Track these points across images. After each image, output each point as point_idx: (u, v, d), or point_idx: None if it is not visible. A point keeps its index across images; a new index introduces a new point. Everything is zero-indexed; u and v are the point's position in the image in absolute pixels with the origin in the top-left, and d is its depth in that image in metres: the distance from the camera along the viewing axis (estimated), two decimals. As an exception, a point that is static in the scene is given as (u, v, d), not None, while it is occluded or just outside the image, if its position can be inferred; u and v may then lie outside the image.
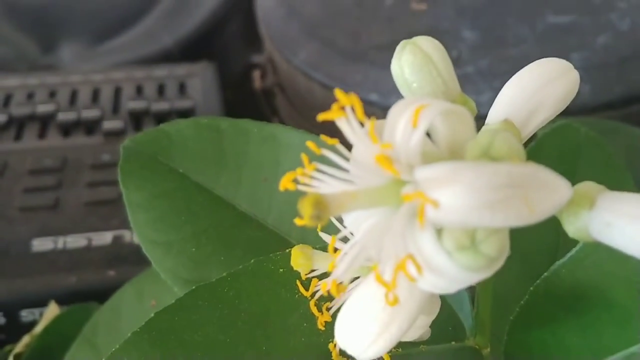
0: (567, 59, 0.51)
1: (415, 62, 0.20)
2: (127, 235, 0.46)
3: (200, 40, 0.81)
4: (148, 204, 0.30)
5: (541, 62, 0.22)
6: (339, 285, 0.18)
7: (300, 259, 0.22)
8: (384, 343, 0.19)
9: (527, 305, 0.25)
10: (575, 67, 0.53)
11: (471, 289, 0.27)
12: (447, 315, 0.26)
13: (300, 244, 0.22)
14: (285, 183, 0.18)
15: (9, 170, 0.51)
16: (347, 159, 0.18)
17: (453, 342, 0.26)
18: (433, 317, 0.22)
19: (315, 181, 0.18)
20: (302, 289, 0.24)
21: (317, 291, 0.23)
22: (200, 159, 0.31)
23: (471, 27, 0.53)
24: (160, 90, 0.59)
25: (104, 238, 0.46)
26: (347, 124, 0.18)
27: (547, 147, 0.33)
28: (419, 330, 0.22)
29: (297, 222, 0.17)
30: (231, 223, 0.29)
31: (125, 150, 0.31)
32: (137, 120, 0.56)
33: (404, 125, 0.17)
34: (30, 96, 0.59)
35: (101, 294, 0.40)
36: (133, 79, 0.60)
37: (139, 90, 0.59)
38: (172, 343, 0.22)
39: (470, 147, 0.17)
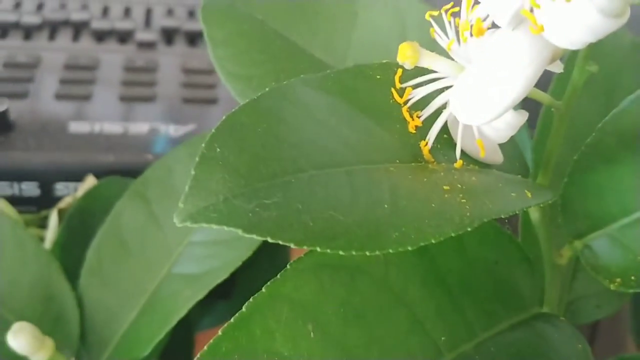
0: None
1: None
2: (162, 127, 0.47)
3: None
4: (229, 41, 0.31)
5: None
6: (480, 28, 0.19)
7: (408, 51, 0.23)
8: (500, 106, 0.21)
9: (592, 144, 0.27)
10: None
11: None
12: (515, 152, 0.28)
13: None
14: None
15: (44, 64, 0.51)
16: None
17: (519, 176, 0.27)
18: (521, 120, 0.24)
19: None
20: (396, 96, 0.25)
21: (409, 99, 0.25)
22: (277, 9, 0.32)
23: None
24: (191, 14, 0.61)
25: (140, 127, 0.46)
26: None
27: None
28: (508, 130, 0.24)
29: None
30: (307, 67, 0.31)
31: (205, -4, 0.32)
32: (169, 36, 0.57)
33: None
34: (62, 5, 0.59)
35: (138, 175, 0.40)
36: (164, 2, 0.61)
37: (170, 12, 0.61)
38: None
39: None
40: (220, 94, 0.50)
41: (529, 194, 0.23)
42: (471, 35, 0.21)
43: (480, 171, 0.25)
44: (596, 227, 0.27)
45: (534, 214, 0.28)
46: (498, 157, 0.26)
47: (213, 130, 0.22)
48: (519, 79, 0.20)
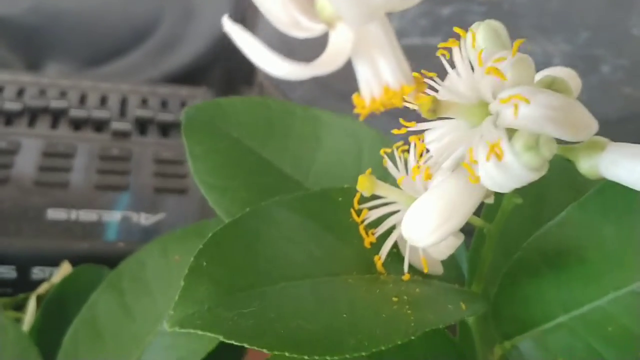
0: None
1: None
2: (134, 216, 0.50)
3: (185, 77, 0.86)
4: (206, 157, 0.35)
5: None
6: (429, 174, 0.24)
7: (367, 182, 0.28)
8: (442, 233, 0.25)
9: (518, 260, 0.31)
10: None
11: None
12: (452, 263, 0.32)
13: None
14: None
15: (24, 150, 0.55)
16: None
17: (457, 285, 0.32)
18: (459, 243, 0.28)
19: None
20: (355, 216, 0.29)
21: (365, 219, 0.29)
22: (251, 128, 0.36)
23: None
24: (164, 104, 0.65)
25: (113, 216, 0.50)
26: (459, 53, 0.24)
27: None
28: (448, 250, 0.28)
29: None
30: (276, 181, 0.35)
31: (187, 114, 0.37)
32: (143, 126, 0.61)
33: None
34: (42, 92, 0.63)
35: (111, 262, 0.43)
36: (139, 92, 0.66)
37: (144, 102, 0.65)
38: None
39: (537, 83, 0.24)
40: (190, 184, 0.54)
41: (463, 307, 0.27)
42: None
43: (424, 282, 0.30)
44: (522, 330, 0.31)
45: (470, 317, 0.32)
46: (439, 269, 0.31)
47: (201, 246, 0.26)
48: (458, 213, 0.25)
